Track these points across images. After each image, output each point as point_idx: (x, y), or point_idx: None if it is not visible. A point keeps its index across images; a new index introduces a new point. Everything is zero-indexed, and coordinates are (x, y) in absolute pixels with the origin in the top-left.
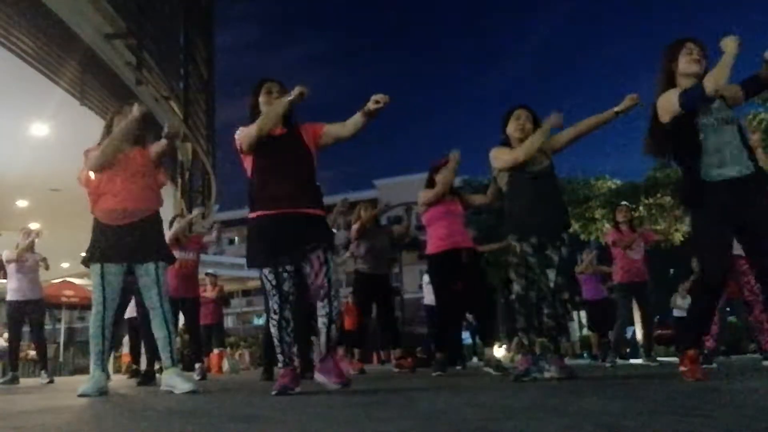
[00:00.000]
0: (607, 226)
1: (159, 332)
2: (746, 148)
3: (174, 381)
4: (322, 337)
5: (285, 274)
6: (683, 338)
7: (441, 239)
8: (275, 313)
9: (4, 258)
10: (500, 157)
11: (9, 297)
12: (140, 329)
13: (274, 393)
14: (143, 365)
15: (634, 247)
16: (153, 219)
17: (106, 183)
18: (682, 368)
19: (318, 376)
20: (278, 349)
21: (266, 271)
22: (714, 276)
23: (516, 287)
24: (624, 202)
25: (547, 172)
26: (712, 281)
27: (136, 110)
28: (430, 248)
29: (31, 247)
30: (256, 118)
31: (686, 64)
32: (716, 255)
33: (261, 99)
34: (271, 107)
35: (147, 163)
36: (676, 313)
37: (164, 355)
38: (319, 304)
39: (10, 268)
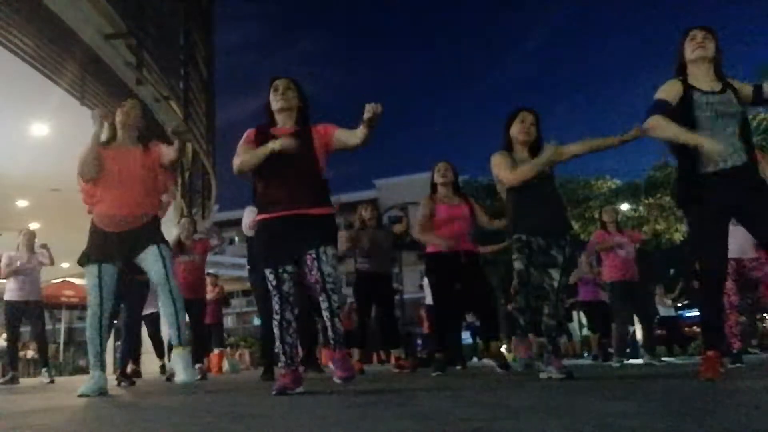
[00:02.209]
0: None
1: (166, 308)
2: (745, 142)
3: (177, 365)
4: (329, 332)
5: (285, 275)
6: (703, 340)
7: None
8: (276, 313)
9: (3, 265)
10: (499, 173)
11: (7, 297)
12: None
13: (274, 393)
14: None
15: (618, 247)
16: (150, 224)
17: (102, 188)
18: (700, 368)
19: (330, 365)
20: (279, 350)
21: (267, 272)
22: (714, 269)
23: (517, 264)
24: (625, 205)
25: (548, 176)
26: (712, 274)
27: (95, 119)
28: (429, 248)
29: (30, 248)
30: (268, 117)
31: (690, 51)
32: (713, 247)
33: (270, 97)
34: (255, 152)
35: (148, 165)
36: (662, 312)
37: (171, 332)
38: (320, 299)
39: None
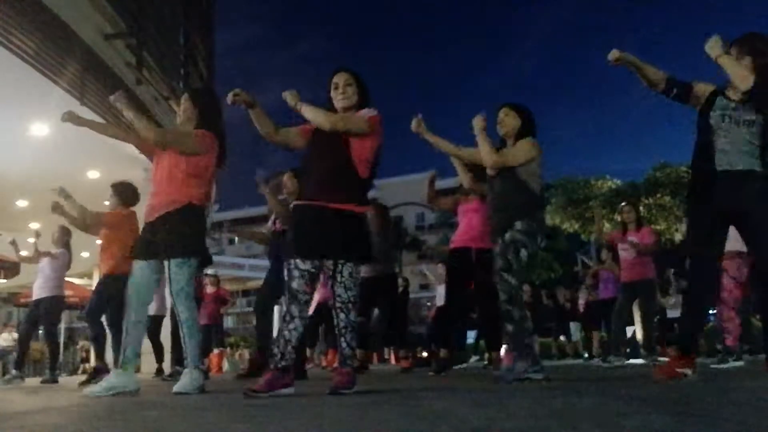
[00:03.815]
0: (608, 226)
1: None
2: (758, 148)
3: (182, 378)
4: (338, 348)
5: (296, 272)
6: (675, 337)
7: (457, 236)
8: (285, 305)
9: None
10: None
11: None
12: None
13: (243, 392)
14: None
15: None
16: (178, 213)
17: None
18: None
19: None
20: (276, 343)
21: (285, 264)
22: (697, 255)
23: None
24: (624, 204)
25: (499, 174)
26: (695, 261)
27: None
28: (450, 245)
29: (59, 245)
30: (328, 108)
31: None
32: (700, 235)
33: (331, 94)
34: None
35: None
36: (670, 314)
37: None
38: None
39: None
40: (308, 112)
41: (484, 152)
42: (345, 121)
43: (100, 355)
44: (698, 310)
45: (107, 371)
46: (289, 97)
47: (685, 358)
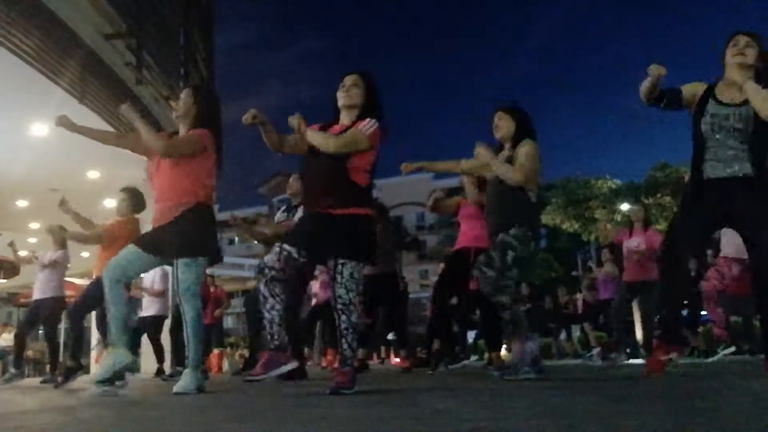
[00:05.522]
0: (609, 226)
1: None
2: (748, 154)
3: (182, 377)
4: (338, 347)
5: (276, 248)
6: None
7: (458, 239)
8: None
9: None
10: None
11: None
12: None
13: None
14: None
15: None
16: (188, 214)
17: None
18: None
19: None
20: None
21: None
22: (669, 247)
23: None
24: (625, 205)
25: (493, 181)
26: (667, 253)
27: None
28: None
29: (58, 245)
30: (334, 112)
31: (729, 56)
32: (679, 233)
33: (337, 92)
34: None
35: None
36: None
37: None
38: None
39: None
40: (313, 138)
41: (505, 171)
42: (348, 145)
43: (74, 355)
44: (674, 301)
45: (79, 369)
46: (295, 122)
47: (668, 345)
